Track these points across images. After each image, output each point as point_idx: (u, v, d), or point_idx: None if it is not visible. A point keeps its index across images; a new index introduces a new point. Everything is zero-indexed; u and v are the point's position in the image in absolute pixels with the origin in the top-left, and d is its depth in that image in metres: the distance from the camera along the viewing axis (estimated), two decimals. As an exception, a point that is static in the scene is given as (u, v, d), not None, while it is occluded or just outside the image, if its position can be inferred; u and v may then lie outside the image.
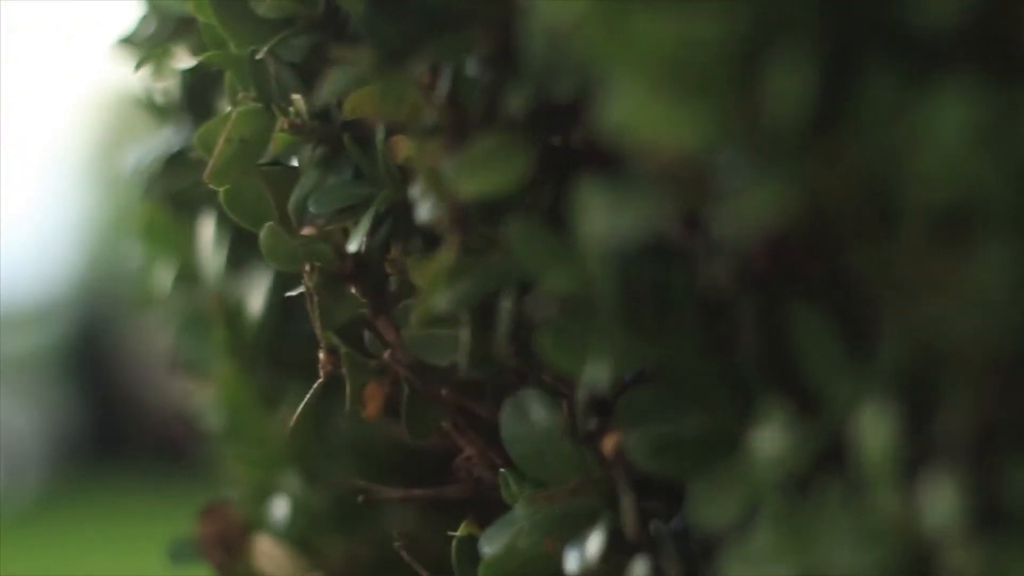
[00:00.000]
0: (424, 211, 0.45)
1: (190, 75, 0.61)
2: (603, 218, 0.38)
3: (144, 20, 0.64)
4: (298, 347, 0.59)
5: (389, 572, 0.59)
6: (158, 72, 0.63)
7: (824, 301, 0.37)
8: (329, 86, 0.46)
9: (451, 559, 0.59)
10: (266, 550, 0.59)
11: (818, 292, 0.38)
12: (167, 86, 0.64)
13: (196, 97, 0.61)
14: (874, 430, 0.36)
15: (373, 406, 0.51)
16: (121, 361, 4.60)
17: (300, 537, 0.60)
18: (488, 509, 0.54)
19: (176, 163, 0.60)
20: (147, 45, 0.63)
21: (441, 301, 0.45)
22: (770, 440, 0.39)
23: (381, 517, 0.60)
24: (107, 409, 4.59)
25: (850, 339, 0.37)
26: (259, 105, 0.50)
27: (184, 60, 0.62)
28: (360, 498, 0.55)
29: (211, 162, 0.51)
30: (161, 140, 0.62)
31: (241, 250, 0.58)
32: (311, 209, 0.49)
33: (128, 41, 0.65)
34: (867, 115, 0.33)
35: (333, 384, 0.58)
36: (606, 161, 0.39)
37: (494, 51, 0.43)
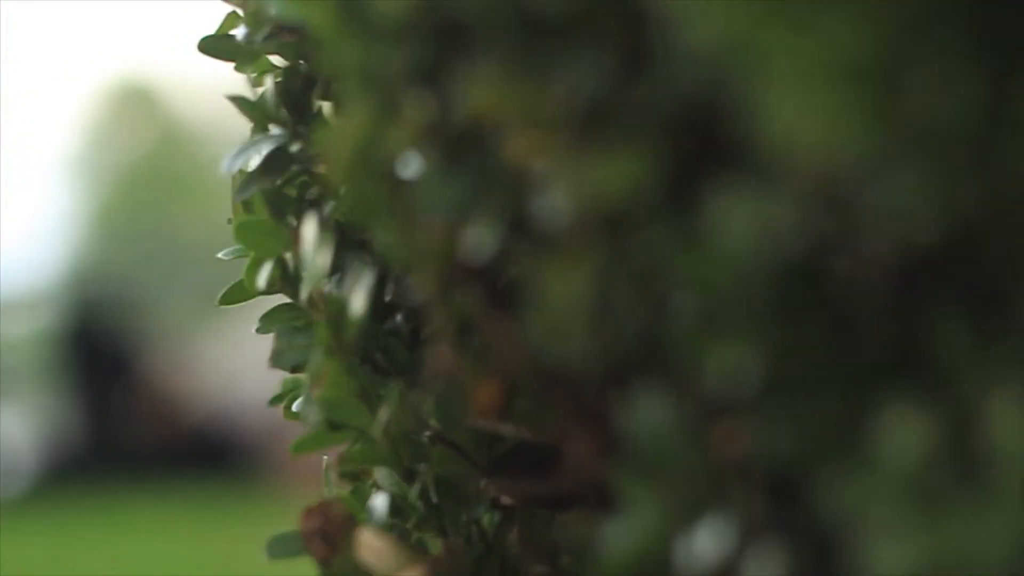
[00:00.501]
0: (549, 212, 0.46)
1: (288, 78, 0.62)
2: (749, 222, 0.39)
3: (235, 22, 0.66)
4: (397, 346, 0.61)
5: (489, 566, 0.60)
6: (255, 75, 0.64)
7: (956, 286, 0.39)
8: (458, 88, 0.47)
9: (552, 553, 0.60)
10: (369, 543, 0.60)
11: (950, 278, 0.39)
12: (260, 88, 0.65)
13: (293, 99, 0.62)
14: (1006, 415, 0.38)
15: (491, 406, 0.53)
16: (119, 352, 4.56)
17: (400, 532, 0.61)
18: (595, 504, 0.55)
19: (275, 164, 0.61)
20: (243, 48, 0.64)
21: (568, 300, 0.46)
22: (901, 427, 0.40)
23: (481, 511, 0.61)
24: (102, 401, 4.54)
25: (982, 324, 0.39)
26: (378, 107, 0.51)
27: (281, 62, 0.64)
28: (482, 483, 0.57)
29: (332, 163, 0.52)
30: (258, 141, 0.63)
31: (344, 250, 0.60)
32: (431, 210, 0.50)
33: (218, 43, 0.66)
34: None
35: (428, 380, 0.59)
36: (744, 164, 0.40)
37: (624, 52, 0.44)
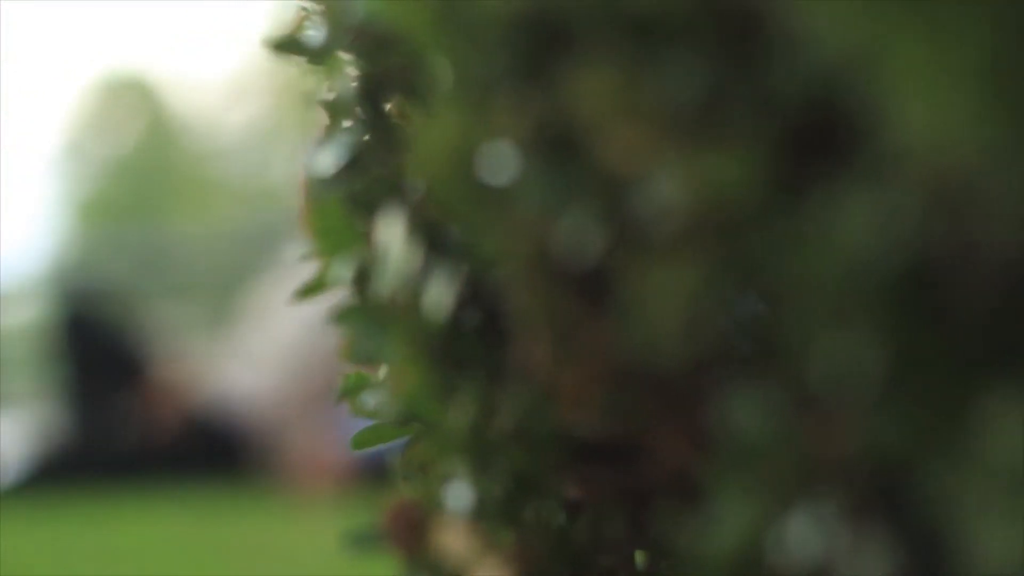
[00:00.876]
0: (656, 211, 0.47)
1: (370, 78, 0.63)
2: (868, 220, 0.40)
3: (308, 23, 0.66)
4: (477, 341, 0.61)
5: (562, 559, 0.61)
6: (330, 75, 0.65)
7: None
8: (561, 88, 0.48)
9: (626, 547, 0.61)
10: (452, 534, 0.61)
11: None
12: (333, 87, 0.66)
13: (374, 100, 0.63)
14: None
15: (576, 401, 0.53)
16: (113, 343, 4.52)
17: (476, 524, 0.62)
18: (679, 498, 0.56)
19: (356, 163, 0.62)
20: (319, 49, 0.65)
21: (672, 299, 0.47)
22: (1007, 420, 0.41)
23: (556, 505, 0.62)
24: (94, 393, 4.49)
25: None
26: (475, 108, 0.52)
27: (358, 62, 0.65)
28: (559, 477, 0.57)
29: (423, 163, 0.53)
30: (335, 141, 0.64)
31: (429, 247, 0.60)
32: (527, 209, 0.51)
33: (291, 44, 0.67)
34: None
35: (506, 374, 0.60)
36: (861, 162, 0.41)
37: (735, 51, 0.45)
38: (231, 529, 2.93)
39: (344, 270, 0.64)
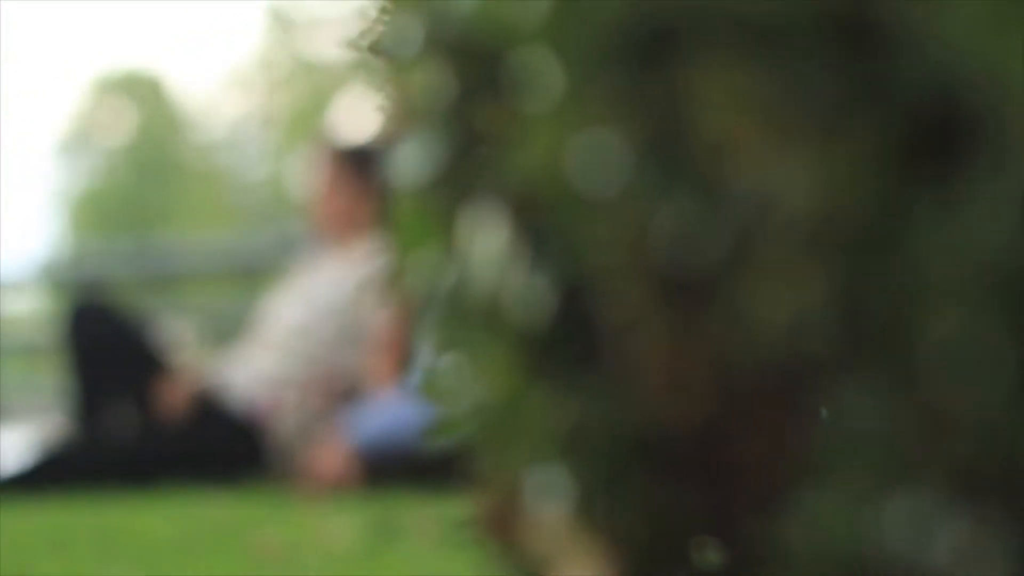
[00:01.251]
0: (771, 212, 0.47)
1: (462, 80, 0.63)
2: (999, 214, 0.40)
3: (401, 29, 0.66)
4: (572, 340, 0.62)
5: (658, 551, 0.61)
6: (419, 80, 0.65)
7: None
8: (676, 91, 0.48)
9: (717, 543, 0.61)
10: (545, 528, 0.61)
11: None
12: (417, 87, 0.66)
13: (473, 101, 0.63)
14: None
15: (674, 400, 0.54)
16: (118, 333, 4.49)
17: (570, 519, 0.62)
18: (770, 496, 0.56)
19: (455, 164, 0.62)
20: (410, 54, 0.65)
21: (791, 298, 0.47)
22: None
23: (651, 497, 0.62)
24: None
25: None
26: (586, 108, 0.52)
27: (452, 67, 0.64)
28: (651, 476, 0.57)
29: (528, 165, 0.53)
30: (428, 141, 0.64)
31: (528, 248, 0.60)
32: (637, 211, 0.51)
33: (386, 43, 0.67)
34: None
35: (603, 372, 0.60)
36: (984, 159, 0.41)
37: (857, 53, 0.45)
38: (237, 525, 2.92)
39: (426, 265, 0.64)
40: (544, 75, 0.54)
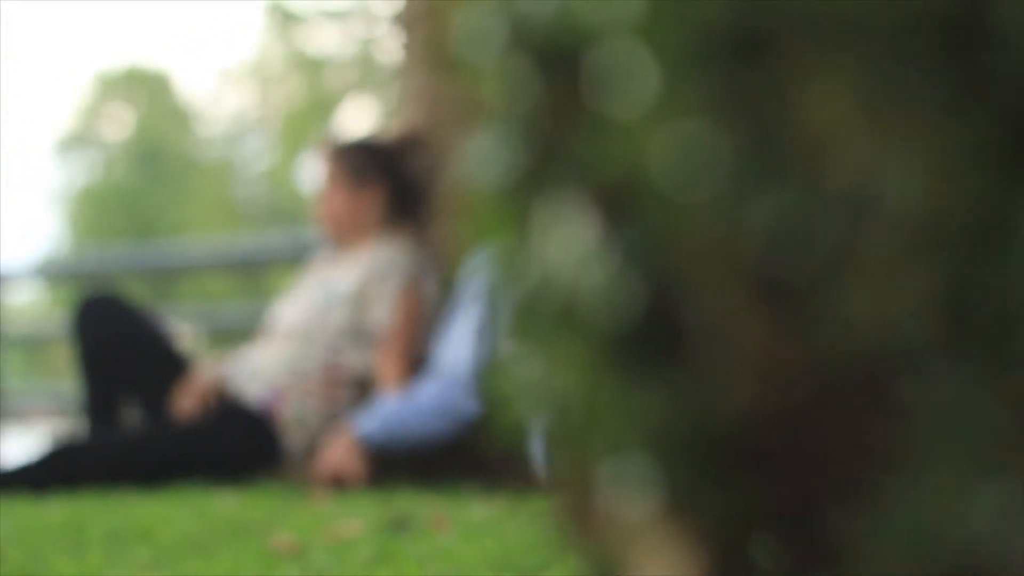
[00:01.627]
0: (877, 214, 0.47)
1: (553, 77, 0.63)
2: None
3: (483, 27, 0.66)
4: (658, 334, 0.61)
5: (744, 545, 0.61)
6: (501, 78, 0.65)
7: None
8: (774, 94, 0.48)
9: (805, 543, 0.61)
10: (628, 523, 0.61)
11: None
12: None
13: (550, 99, 0.63)
14: None
15: (758, 401, 0.54)
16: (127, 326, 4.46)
17: (658, 516, 0.62)
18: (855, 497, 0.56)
19: (532, 162, 0.62)
20: (490, 53, 0.65)
21: (890, 297, 0.47)
22: None
23: (737, 492, 0.61)
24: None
25: None
26: (679, 111, 0.52)
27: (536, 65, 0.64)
28: (734, 477, 0.57)
29: (622, 163, 0.53)
30: (510, 139, 0.63)
31: (616, 242, 0.60)
32: (724, 204, 0.51)
33: (470, 41, 0.66)
34: None
35: (689, 369, 0.60)
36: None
37: (963, 57, 0.45)
38: (250, 522, 2.93)
39: (505, 262, 0.64)
40: (637, 72, 0.54)
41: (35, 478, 4.00)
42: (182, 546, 2.59)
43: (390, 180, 4.48)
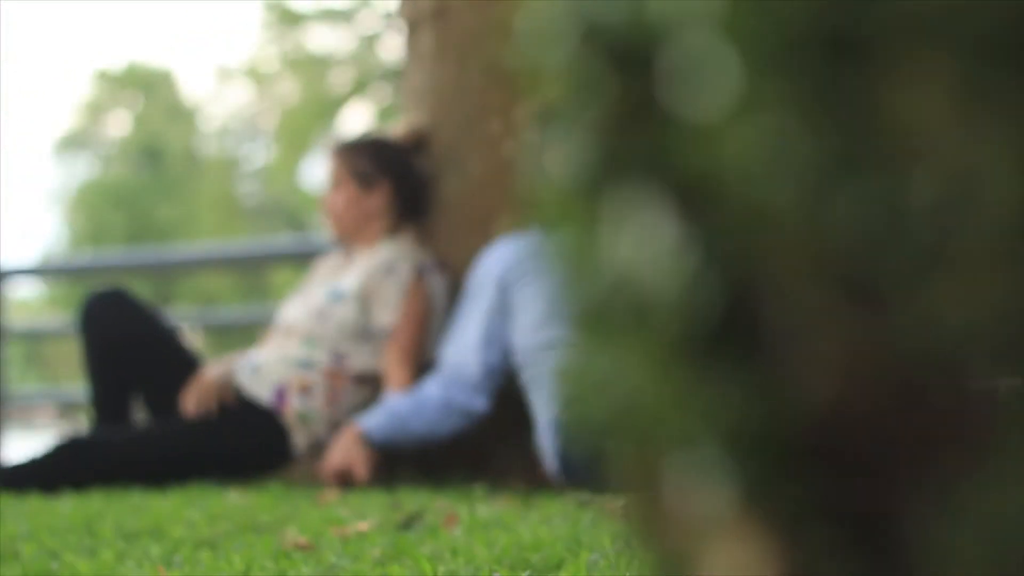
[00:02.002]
0: (960, 208, 0.47)
1: (614, 76, 0.62)
2: None
3: (555, 22, 0.66)
4: (736, 333, 0.60)
5: (824, 545, 0.61)
6: (573, 78, 0.65)
7: None
8: (866, 96, 0.48)
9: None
10: (704, 523, 0.61)
11: None
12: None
13: (623, 98, 0.62)
14: None
15: (833, 402, 0.54)
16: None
17: (732, 513, 0.61)
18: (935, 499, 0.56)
19: (606, 159, 0.62)
20: (563, 48, 0.64)
21: (984, 302, 0.47)
22: None
23: (817, 492, 0.61)
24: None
25: None
26: (766, 111, 0.52)
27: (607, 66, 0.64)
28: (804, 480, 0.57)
29: (702, 156, 0.53)
30: (575, 137, 0.63)
31: (695, 240, 0.59)
32: (809, 202, 0.51)
33: (542, 41, 0.67)
34: None
35: (764, 365, 0.59)
36: None
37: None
38: (262, 520, 2.94)
39: (577, 260, 0.63)
40: (717, 68, 0.54)
41: (43, 474, 4.01)
42: (193, 543, 2.61)
43: (396, 179, 4.49)
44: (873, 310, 0.52)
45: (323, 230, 4.93)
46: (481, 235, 4.36)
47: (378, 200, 4.48)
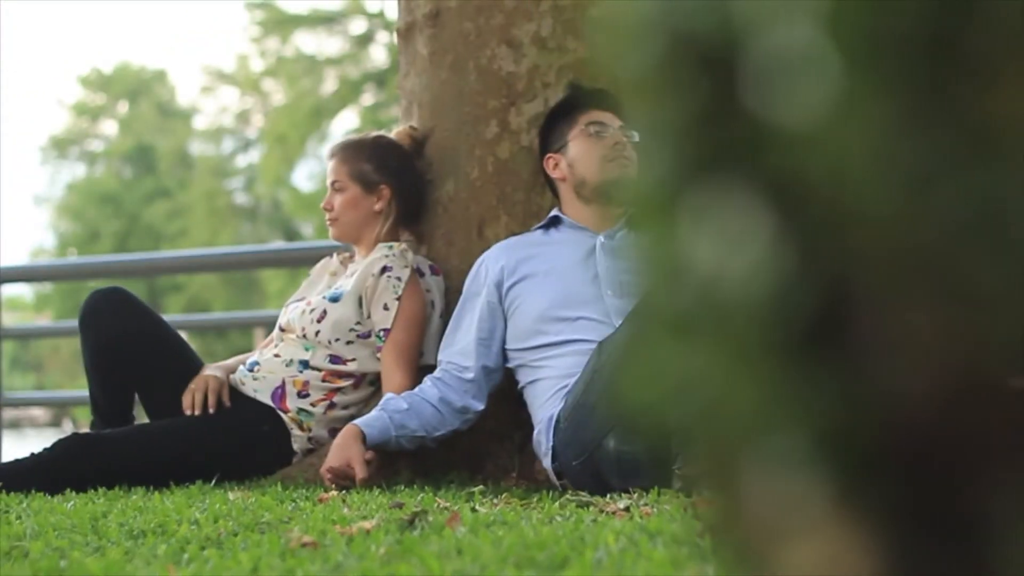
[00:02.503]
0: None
1: (703, 77, 0.63)
2: None
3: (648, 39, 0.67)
4: (827, 332, 0.61)
5: (917, 545, 0.61)
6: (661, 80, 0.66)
7: None
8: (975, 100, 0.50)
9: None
10: (793, 525, 0.62)
11: None
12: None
13: (713, 99, 0.63)
14: None
15: (919, 398, 0.56)
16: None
17: (823, 514, 0.62)
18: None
19: (698, 161, 0.62)
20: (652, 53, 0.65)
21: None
22: None
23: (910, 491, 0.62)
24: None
25: None
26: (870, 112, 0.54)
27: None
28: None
29: (801, 157, 0.55)
30: (664, 138, 0.64)
31: (787, 241, 0.60)
32: (911, 202, 0.53)
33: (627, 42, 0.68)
34: None
35: (856, 364, 0.60)
36: None
37: None
38: (265, 519, 2.96)
39: (668, 260, 0.63)
40: (814, 68, 0.55)
41: (45, 472, 4.03)
42: (199, 542, 2.63)
43: (397, 182, 4.51)
44: (971, 311, 0.53)
45: (321, 230, 4.93)
46: (477, 237, 4.39)
47: (379, 202, 4.50)
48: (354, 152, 4.55)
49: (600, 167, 4.19)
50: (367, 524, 2.70)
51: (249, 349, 4.89)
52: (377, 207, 4.50)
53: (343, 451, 3.98)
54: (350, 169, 4.52)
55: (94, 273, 8.57)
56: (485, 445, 4.26)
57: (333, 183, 4.54)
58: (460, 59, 4.50)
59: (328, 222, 4.58)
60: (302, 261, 7.90)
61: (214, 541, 2.65)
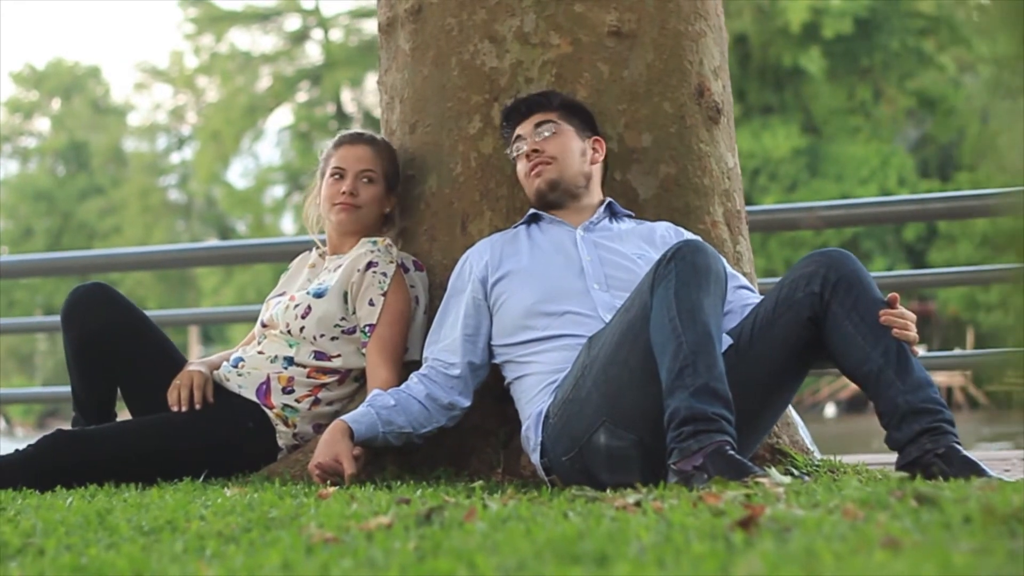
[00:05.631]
0: None
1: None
2: None
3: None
4: None
5: None
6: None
7: None
8: None
9: None
10: None
11: None
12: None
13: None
14: None
15: None
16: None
17: None
18: None
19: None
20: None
21: None
22: None
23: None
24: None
25: None
26: None
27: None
28: None
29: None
30: None
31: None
32: None
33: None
34: None
35: None
36: None
37: None
38: (272, 514, 2.95)
39: None
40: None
41: (31, 469, 3.99)
42: (213, 539, 2.61)
43: (397, 187, 4.51)
44: None
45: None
46: (461, 233, 4.38)
47: (390, 205, 4.50)
48: (387, 150, 4.49)
49: (526, 184, 4.25)
50: (384, 520, 2.68)
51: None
52: (387, 211, 4.49)
53: (331, 447, 3.95)
54: (385, 165, 4.47)
55: (26, 271, 8.47)
56: (470, 441, 4.26)
57: (365, 171, 4.44)
58: (442, 54, 4.48)
59: (341, 205, 4.43)
60: (238, 259, 7.87)
61: (228, 537, 2.63)
